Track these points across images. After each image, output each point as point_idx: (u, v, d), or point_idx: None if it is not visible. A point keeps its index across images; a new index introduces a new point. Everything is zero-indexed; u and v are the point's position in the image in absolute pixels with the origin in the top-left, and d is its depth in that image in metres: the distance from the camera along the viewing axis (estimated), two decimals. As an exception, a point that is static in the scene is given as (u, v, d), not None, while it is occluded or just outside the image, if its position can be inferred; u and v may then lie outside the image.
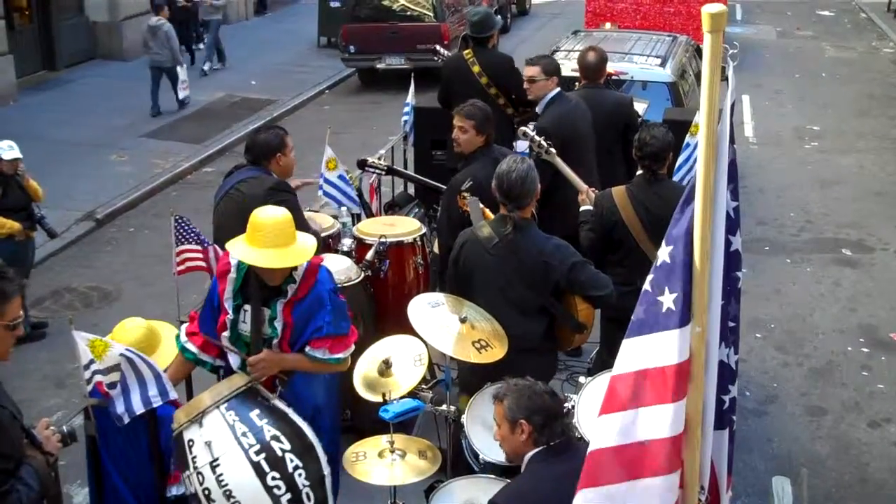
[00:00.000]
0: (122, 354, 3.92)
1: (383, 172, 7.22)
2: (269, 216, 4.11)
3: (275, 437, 3.84)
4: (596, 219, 5.35)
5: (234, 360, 4.26)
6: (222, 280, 4.27)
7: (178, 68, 14.21)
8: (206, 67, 16.74)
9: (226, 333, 4.26)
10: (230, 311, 4.24)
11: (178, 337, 4.42)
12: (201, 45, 17.67)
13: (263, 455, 3.78)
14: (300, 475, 3.81)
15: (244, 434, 3.80)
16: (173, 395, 4.10)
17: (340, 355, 4.26)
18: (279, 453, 3.81)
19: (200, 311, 4.41)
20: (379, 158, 7.64)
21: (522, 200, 4.61)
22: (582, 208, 5.50)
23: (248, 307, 4.22)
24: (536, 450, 3.50)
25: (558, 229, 5.04)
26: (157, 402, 3.97)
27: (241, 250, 4.07)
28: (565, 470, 3.22)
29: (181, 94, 14.41)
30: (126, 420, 3.94)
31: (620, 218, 5.23)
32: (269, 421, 3.88)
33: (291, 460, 3.82)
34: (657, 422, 2.66)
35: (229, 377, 4.15)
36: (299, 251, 4.12)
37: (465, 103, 5.81)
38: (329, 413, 4.50)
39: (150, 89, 14.08)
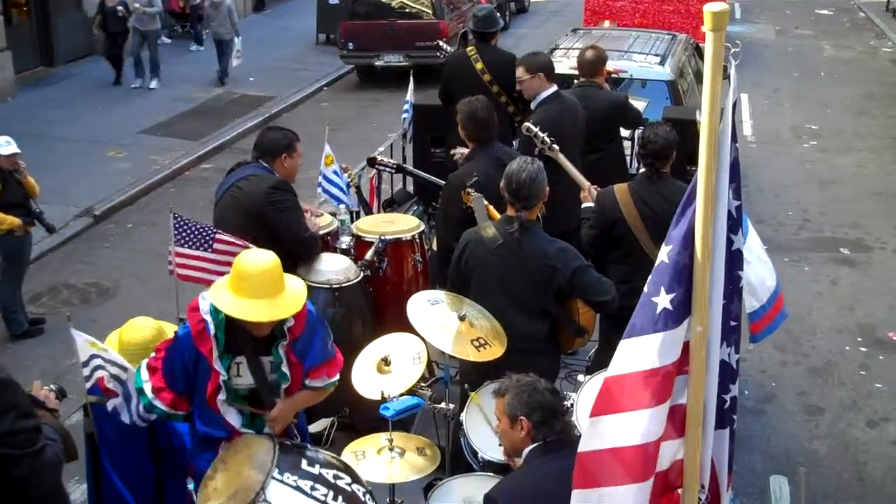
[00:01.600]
0: (120, 365, 3.91)
1: (393, 170, 7.22)
2: (255, 264, 3.70)
3: (336, 476, 3.69)
4: (597, 215, 5.35)
5: (235, 419, 3.92)
6: (202, 341, 3.80)
7: (236, 39, 15.73)
8: (153, 85, 15.47)
9: (222, 396, 3.86)
10: (223, 372, 3.83)
11: (141, 390, 3.90)
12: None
13: (341, 497, 3.60)
14: (369, 499, 3.72)
15: (313, 488, 3.58)
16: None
17: (337, 376, 4.12)
18: (349, 489, 3.66)
19: (162, 365, 3.88)
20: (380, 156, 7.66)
21: (530, 201, 4.61)
22: (584, 205, 5.51)
23: (240, 359, 3.87)
24: (534, 445, 3.51)
25: (550, 226, 5.04)
26: (151, 416, 3.99)
27: (226, 302, 3.67)
28: (563, 466, 3.21)
29: (234, 62, 15.86)
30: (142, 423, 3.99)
31: (622, 215, 5.23)
32: (319, 464, 3.72)
33: (358, 489, 3.70)
34: (653, 424, 2.67)
35: (248, 440, 3.80)
36: (290, 300, 3.75)
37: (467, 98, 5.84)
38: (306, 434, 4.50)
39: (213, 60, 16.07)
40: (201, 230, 5.22)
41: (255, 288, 3.64)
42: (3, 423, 3.21)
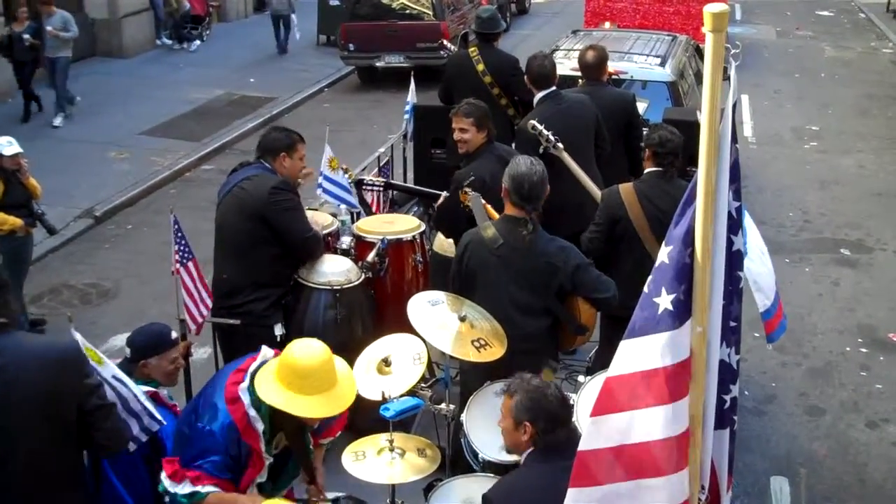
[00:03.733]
0: (113, 377, 3.77)
1: (382, 189, 7.21)
2: (312, 359, 3.59)
3: None
4: (601, 213, 5.36)
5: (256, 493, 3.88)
6: (249, 435, 3.68)
7: (293, 15, 17.76)
8: (57, 122, 13.27)
9: (260, 479, 3.79)
10: (270, 458, 3.78)
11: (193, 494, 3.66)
12: None
13: None
14: None
15: None
16: (159, 417, 4.01)
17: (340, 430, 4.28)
18: None
19: (200, 468, 3.64)
20: (378, 159, 7.63)
21: (539, 202, 4.64)
22: None
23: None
24: (535, 448, 3.51)
25: (562, 226, 5.05)
26: (154, 427, 3.93)
27: (282, 399, 3.55)
28: (562, 467, 3.21)
29: (297, 35, 17.96)
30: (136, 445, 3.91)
31: (626, 214, 5.24)
32: None
33: None
34: (656, 423, 2.67)
35: None
36: (346, 390, 3.69)
37: (460, 104, 5.83)
38: None
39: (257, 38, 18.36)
40: (186, 246, 5.15)
41: (315, 385, 3.56)
42: (90, 378, 3.45)
